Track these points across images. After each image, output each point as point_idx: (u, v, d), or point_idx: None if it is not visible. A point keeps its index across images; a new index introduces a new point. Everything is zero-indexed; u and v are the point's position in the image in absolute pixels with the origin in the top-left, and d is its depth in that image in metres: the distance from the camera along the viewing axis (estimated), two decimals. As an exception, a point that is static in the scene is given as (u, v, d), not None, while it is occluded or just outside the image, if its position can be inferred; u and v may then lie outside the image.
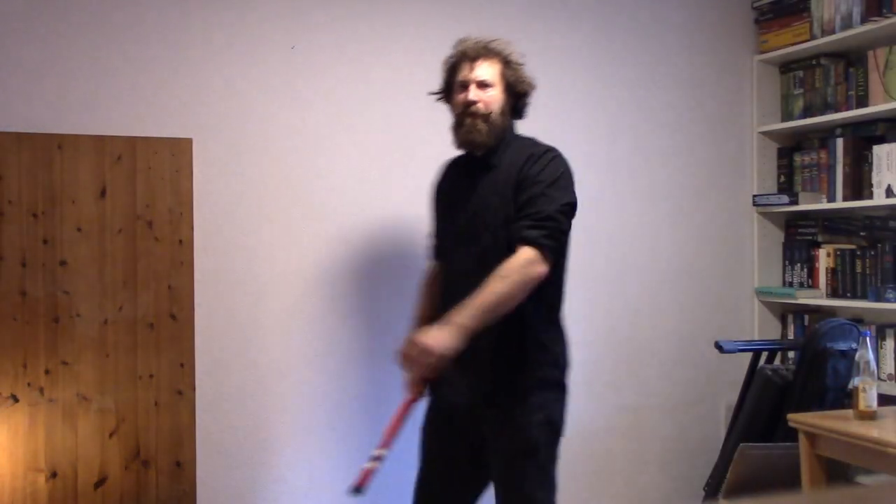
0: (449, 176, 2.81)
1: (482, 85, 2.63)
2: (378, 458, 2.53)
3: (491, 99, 2.63)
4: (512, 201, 2.58)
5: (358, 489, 2.52)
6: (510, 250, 2.52)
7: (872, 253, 3.59)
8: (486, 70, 2.63)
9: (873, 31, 3.51)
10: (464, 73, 2.65)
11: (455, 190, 2.74)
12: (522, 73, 2.68)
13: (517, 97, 2.69)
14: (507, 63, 2.66)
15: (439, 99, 2.77)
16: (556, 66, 3.65)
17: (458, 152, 2.76)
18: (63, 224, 3.00)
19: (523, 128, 3.73)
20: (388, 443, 2.56)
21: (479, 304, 2.46)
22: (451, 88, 2.70)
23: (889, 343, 3.51)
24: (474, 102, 2.61)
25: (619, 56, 3.77)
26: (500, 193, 2.61)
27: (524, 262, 2.50)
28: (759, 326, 3.97)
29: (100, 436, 3.03)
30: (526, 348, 2.61)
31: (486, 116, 2.61)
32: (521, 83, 2.67)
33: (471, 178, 2.68)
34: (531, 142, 2.71)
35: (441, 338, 2.45)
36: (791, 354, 3.76)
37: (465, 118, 2.63)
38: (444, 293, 2.70)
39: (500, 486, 2.66)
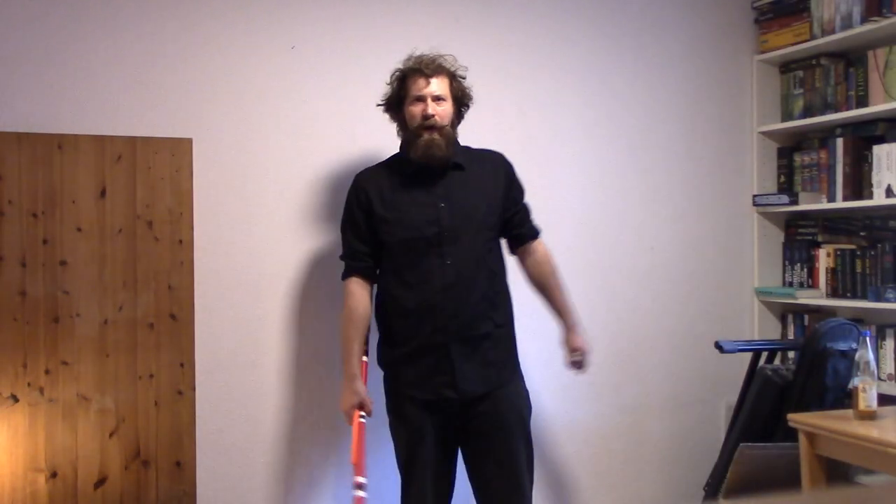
0: (383, 185, 2.92)
1: (437, 99, 2.86)
2: (363, 486, 2.74)
3: (445, 112, 2.87)
4: (501, 201, 2.93)
5: None
6: (501, 243, 2.96)
7: (872, 253, 3.59)
8: (440, 85, 2.87)
9: (873, 31, 3.51)
10: (419, 88, 2.86)
11: (410, 194, 2.88)
12: (465, 86, 2.95)
13: (460, 108, 2.95)
14: (453, 77, 2.91)
15: (388, 109, 2.95)
16: (556, 66, 3.66)
17: (371, 162, 3.05)
18: (63, 224, 3.00)
19: (524, 128, 3.73)
20: (362, 469, 2.76)
21: (569, 301, 3.02)
22: (401, 101, 2.90)
23: (889, 343, 3.51)
24: (432, 115, 2.83)
25: (619, 56, 3.77)
26: (486, 194, 2.91)
27: (548, 251, 3.05)
28: (759, 326, 3.97)
29: (100, 436, 3.03)
30: (513, 329, 2.97)
31: (441, 129, 2.84)
32: (465, 96, 2.95)
33: (433, 180, 2.87)
34: (469, 147, 3.02)
35: (584, 339, 3.00)
36: (791, 354, 3.76)
37: (422, 131, 2.84)
38: (428, 289, 2.82)
39: (492, 461, 2.87)
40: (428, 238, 2.83)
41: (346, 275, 2.95)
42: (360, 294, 2.92)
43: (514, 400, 2.91)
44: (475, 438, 2.90)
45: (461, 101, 2.94)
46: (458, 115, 2.95)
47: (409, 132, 2.89)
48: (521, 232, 3.02)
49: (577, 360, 2.99)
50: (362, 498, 2.71)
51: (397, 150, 3.04)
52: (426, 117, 2.83)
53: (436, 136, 2.83)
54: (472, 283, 2.84)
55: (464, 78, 2.94)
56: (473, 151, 3.01)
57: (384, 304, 2.94)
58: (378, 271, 2.97)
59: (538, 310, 3.15)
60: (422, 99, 2.85)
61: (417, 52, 2.92)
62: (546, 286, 3.03)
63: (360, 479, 2.74)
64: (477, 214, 2.87)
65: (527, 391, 2.99)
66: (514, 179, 3.01)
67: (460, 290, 2.82)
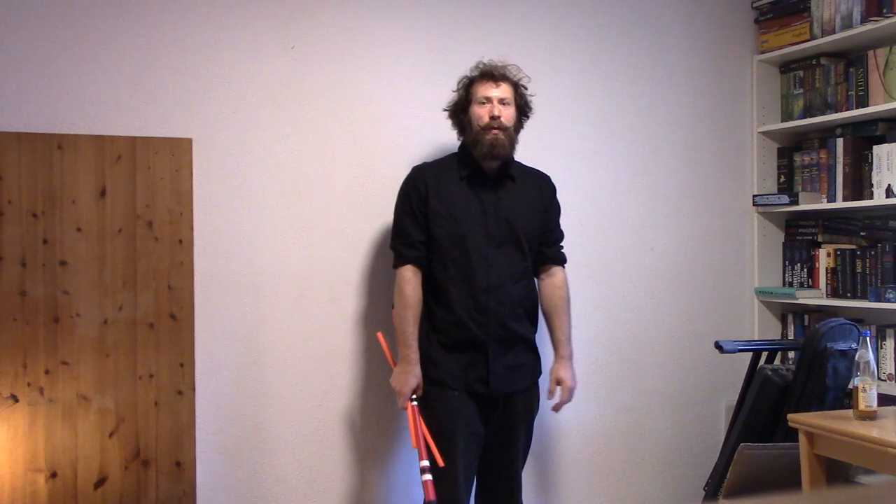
0: (441, 180, 3.04)
1: (502, 102, 3.00)
2: (428, 469, 2.80)
3: (509, 115, 3.01)
4: (541, 220, 3.11)
5: (433, 502, 2.77)
6: (532, 257, 3.09)
7: (872, 253, 3.59)
8: (506, 90, 3.02)
9: (873, 31, 3.51)
10: (486, 91, 3.00)
11: (463, 194, 3.02)
12: (527, 96, 3.09)
13: (521, 117, 3.08)
14: (517, 87, 3.05)
15: (453, 114, 3.08)
16: (556, 66, 3.66)
17: (429, 159, 3.16)
18: (63, 224, 3.00)
19: (525, 130, 3.73)
20: (424, 452, 2.85)
21: (570, 333, 3.14)
22: (467, 104, 3.03)
23: (889, 343, 3.51)
24: (499, 116, 2.96)
25: (619, 56, 3.77)
26: (531, 208, 3.09)
27: (567, 281, 3.17)
28: (759, 326, 3.97)
29: (100, 436, 3.03)
30: (534, 338, 3.13)
31: (506, 130, 2.99)
32: (527, 105, 3.09)
33: (486, 186, 3.03)
34: (520, 163, 3.17)
35: (574, 375, 3.11)
36: (791, 354, 3.76)
37: (488, 131, 2.97)
38: (472, 288, 2.97)
39: (497, 450, 3.05)
40: (475, 239, 2.98)
41: (402, 262, 3.03)
42: (415, 281, 3.02)
43: (532, 403, 3.11)
44: (493, 430, 3.04)
45: (523, 109, 3.07)
46: (520, 122, 3.08)
47: (473, 133, 3.01)
48: (549, 254, 3.15)
49: (560, 394, 3.09)
50: (429, 481, 2.78)
51: (454, 151, 3.16)
52: (493, 118, 2.97)
53: (500, 135, 2.97)
54: (512, 290, 3.01)
55: (526, 88, 3.08)
56: (525, 168, 3.16)
57: (430, 292, 3.05)
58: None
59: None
60: (489, 100, 2.99)
61: (485, 61, 3.05)
62: (554, 311, 3.14)
63: (425, 463, 2.82)
64: (521, 227, 3.03)
65: (539, 394, 3.16)
66: (554, 202, 3.19)
67: (502, 294, 2.98)
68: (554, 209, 3.19)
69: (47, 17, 3.00)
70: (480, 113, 2.99)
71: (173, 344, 3.11)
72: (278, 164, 3.27)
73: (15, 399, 2.94)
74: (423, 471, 2.81)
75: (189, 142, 3.14)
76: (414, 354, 2.98)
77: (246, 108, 3.23)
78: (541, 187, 3.15)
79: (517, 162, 3.14)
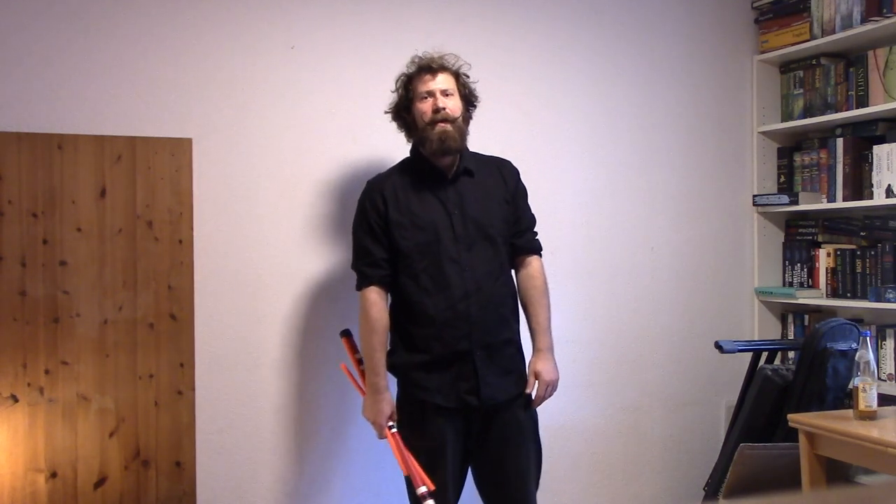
0: (397, 189, 2.88)
1: (445, 94, 2.85)
2: (428, 495, 2.70)
3: (455, 106, 2.86)
4: (508, 209, 2.92)
5: None
6: (507, 250, 2.92)
7: (872, 253, 3.59)
8: (447, 80, 2.87)
9: (873, 31, 3.51)
10: (426, 85, 2.85)
11: (423, 199, 2.86)
12: (470, 84, 2.94)
13: (468, 106, 2.93)
14: (458, 76, 2.90)
15: (396, 115, 2.94)
16: (556, 67, 3.66)
17: (378, 170, 3.02)
18: (63, 224, 3.00)
19: (525, 129, 3.73)
20: (418, 478, 2.73)
21: (549, 324, 2.95)
22: (409, 103, 2.89)
23: (889, 343, 3.51)
24: (443, 108, 2.82)
25: (619, 56, 3.77)
26: (496, 200, 2.90)
27: (543, 270, 2.98)
28: (759, 326, 3.97)
29: (100, 436, 3.03)
30: (520, 337, 2.97)
31: (454, 121, 2.83)
32: (471, 94, 2.94)
33: (444, 185, 2.87)
34: (476, 153, 3.00)
35: (553, 367, 2.92)
36: (791, 354, 3.76)
37: (434, 125, 2.82)
38: (450, 296, 2.80)
39: (505, 466, 2.87)
40: (443, 244, 2.81)
41: (366, 283, 2.86)
42: (380, 304, 2.85)
43: (531, 408, 2.93)
44: (493, 444, 2.87)
45: (468, 99, 2.92)
46: (467, 113, 2.93)
47: (420, 130, 2.86)
48: (520, 244, 2.96)
49: (538, 387, 2.89)
50: None
51: (406, 155, 3.00)
52: (437, 110, 2.81)
53: (448, 127, 2.81)
54: (492, 291, 2.83)
55: (468, 76, 2.93)
56: (481, 157, 2.99)
57: (402, 310, 2.88)
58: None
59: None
60: (430, 94, 2.84)
61: (419, 54, 2.91)
62: (530, 303, 2.95)
63: (423, 490, 2.70)
64: (489, 221, 2.86)
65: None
66: (519, 187, 2.99)
67: (481, 298, 2.81)
68: (520, 195, 2.97)
69: (47, 17, 3.00)
70: (424, 108, 2.83)
71: (173, 344, 3.11)
72: (278, 164, 3.27)
73: (15, 399, 2.94)
74: (422, 498, 2.69)
75: (189, 142, 3.14)
76: (383, 381, 2.83)
77: (246, 108, 3.23)
78: (502, 174, 2.95)
79: (472, 152, 2.96)
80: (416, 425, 2.84)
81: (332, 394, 3.33)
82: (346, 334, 3.08)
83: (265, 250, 3.25)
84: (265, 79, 3.25)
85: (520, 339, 2.97)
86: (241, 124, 3.22)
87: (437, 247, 2.81)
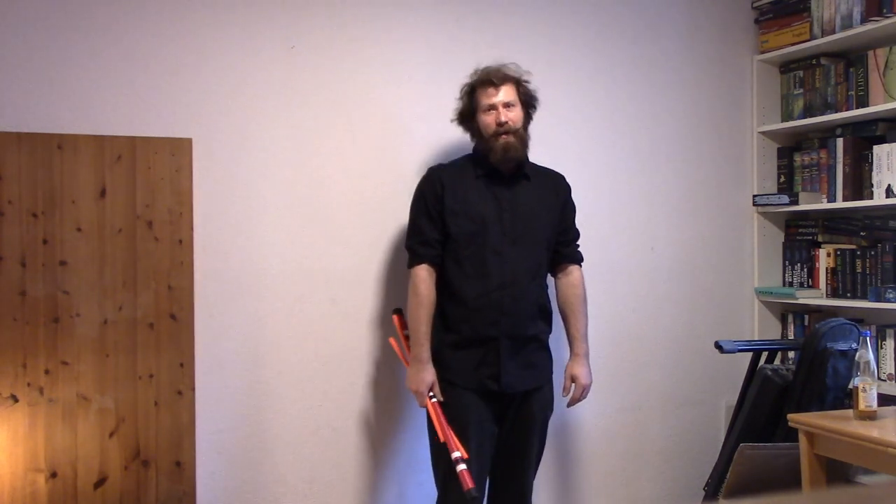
0: (456, 179, 3.07)
1: (507, 106, 3.02)
2: (460, 460, 2.84)
3: (516, 117, 3.04)
4: (557, 219, 3.13)
5: (472, 489, 2.81)
6: (548, 256, 3.13)
7: (872, 253, 3.59)
8: (508, 92, 3.04)
9: (873, 31, 3.51)
10: (489, 98, 3.03)
11: (479, 192, 3.04)
12: (530, 90, 3.10)
13: (528, 110, 3.11)
14: (519, 83, 3.07)
15: (461, 122, 3.12)
16: (556, 66, 3.65)
17: (429, 158, 3.19)
18: (63, 224, 3.00)
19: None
20: (453, 444, 2.88)
21: (586, 331, 3.19)
22: (473, 112, 3.07)
23: (889, 343, 3.51)
24: (506, 122, 3.00)
25: (619, 56, 3.77)
26: (547, 207, 3.12)
27: (583, 280, 3.22)
28: (759, 326, 3.97)
29: (100, 436, 3.03)
30: (547, 338, 3.15)
31: (516, 132, 3.02)
32: (532, 99, 3.11)
33: (501, 185, 3.06)
34: (535, 163, 3.19)
35: (588, 372, 3.17)
36: (791, 354, 3.76)
37: (498, 137, 3.01)
38: (487, 284, 2.98)
39: (510, 450, 3.07)
40: (490, 235, 3.00)
41: (416, 261, 3.05)
42: (429, 281, 3.03)
43: (546, 403, 3.13)
44: (505, 429, 3.06)
45: (529, 104, 3.10)
46: (528, 118, 3.11)
47: (485, 140, 3.05)
48: (565, 252, 3.19)
49: (574, 391, 3.15)
50: (466, 471, 2.82)
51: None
52: (500, 124, 3.00)
53: (511, 138, 3.01)
54: (526, 287, 3.02)
55: (528, 83, 3.09)
56: (539, 168, 3.19)
57: (443, 291, 3.06)
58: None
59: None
60: (493, 107, 3.02)
61: (482, 66, 3.07)
62: (570, 310, 3.18)
63: (457, 454, 2.86)
64: (536, 225, 3.07)
65: (553, 395, 3.17)
66: (569, 201, 3.21)
67: (515, 291, 2.99)
68: (570, 208, 3.21)
69: (47, 18, 3.00)
70: (487, 121, 3.02)
71: (173, 344, 3.11)
72: (278, 164, 3.27)
73: (15, 399, 2.94)
74: (456, 462, 2.84)
75: (189, 142, 3.14)
76: (426, 353, 2.99)
77: (246, 108, 3.23)
78: (556, 187, 3.18)
79: (531, 162, 3.16)
80: (442, 402, 2.99)
81: (332, 393, 3.33)
82: (398, 312, 3.25)
83: (265, 250, 3.25)
84: (265, 79, 3.25)
85: (547, 340, 3.12)
86: (242, 124, 3.22)
87: (483, 238, 3.00)
